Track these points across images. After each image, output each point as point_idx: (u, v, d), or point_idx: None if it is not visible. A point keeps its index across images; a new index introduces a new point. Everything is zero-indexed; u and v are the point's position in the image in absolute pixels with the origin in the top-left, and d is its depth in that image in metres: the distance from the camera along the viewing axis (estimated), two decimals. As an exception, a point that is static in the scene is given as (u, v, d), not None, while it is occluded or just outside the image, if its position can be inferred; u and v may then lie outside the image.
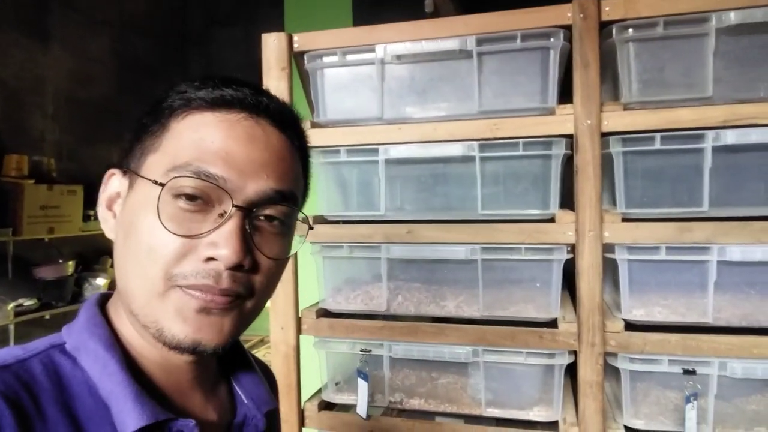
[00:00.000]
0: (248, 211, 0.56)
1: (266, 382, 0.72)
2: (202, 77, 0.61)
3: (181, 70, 5.55)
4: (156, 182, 0.55)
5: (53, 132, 4.17)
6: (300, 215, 0.63)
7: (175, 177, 0.54)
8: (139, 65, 5.02)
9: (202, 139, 0.56)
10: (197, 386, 0.63)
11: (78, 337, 0.58)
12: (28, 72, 3.96)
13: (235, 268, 0.55)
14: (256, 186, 0.56)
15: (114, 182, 0.62)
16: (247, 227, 0.56)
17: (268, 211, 0.58)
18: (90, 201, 4.04)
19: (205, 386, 0.64)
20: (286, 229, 0.61)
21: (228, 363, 0.71)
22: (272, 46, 1.31)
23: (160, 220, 0.54)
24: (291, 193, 0.60)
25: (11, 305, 3.48)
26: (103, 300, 0.64)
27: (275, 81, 1.31)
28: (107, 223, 0.61)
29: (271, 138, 0.59)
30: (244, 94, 0.59)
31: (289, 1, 2.71)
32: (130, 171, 0.59)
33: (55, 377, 0.54)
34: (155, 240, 0.54)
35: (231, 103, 0.58)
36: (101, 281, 4.06)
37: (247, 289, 0.57)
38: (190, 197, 0.54)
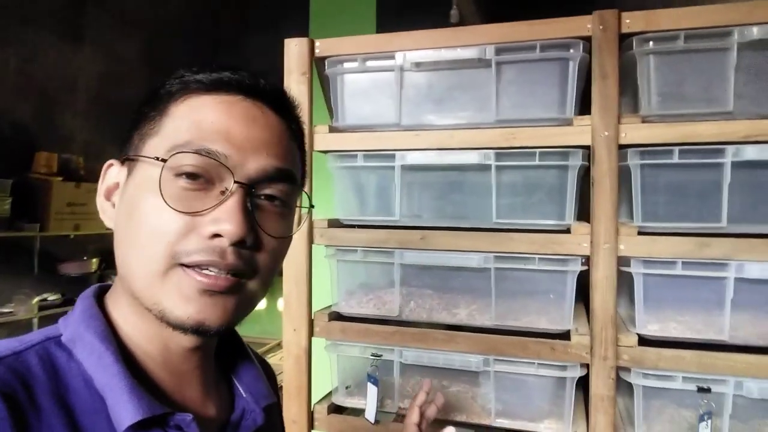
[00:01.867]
0: (249, 188, 0.56)
1: (265, 377, 0.72)
2: (200, 63, 0.62)
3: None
4: (157, 159, 0.55)
5: (82, 131, 4.27)
6: (303, 201, 0.64)
7: (176, 153, 0.54)
8: (170, 68, 5.08)
9: (202, 120, 0.56)
10: (196, 379, 0.63)
11: (74, 328, 0.57)
12: (61, 72, 4.07)
13: (239, 244, 0.55)
14: (256, 163, 0.57)
15: (112, 172, 0.62)
16: (248, 204, 0.56)
17: (268, 190, 0.59)
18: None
19: (204, 379, 0.64)
20: (287, 210, 0.61)
21: (227, 357, 0.71)
22: (294, 51, 1.34)
23: (162, 197, 0.54)
24: (290, 172, 0.61)
25: (36, 299, 3.57)
26: (100, 292, 0.63)
27: (296, 85, 1.33)
28: (106, 213, 0.61)
29: (269, 119, 0.60)
30: (242, 77, 0.60)
31: (315, 7, 2.74)
32: (128, 158, 0.59)
33: (50, 369, 0.54)
34: (158, 219, 0.54)
35: (229, 86, 0.59)
36: (123, 279, 4.13)
37: (250, 267, 0.57)
38: (192, 175, 0.55)
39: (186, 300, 0.54)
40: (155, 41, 4.94)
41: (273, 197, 0.59)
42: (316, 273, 1.35)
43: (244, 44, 5.57)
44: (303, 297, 1.31)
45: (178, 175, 0.55)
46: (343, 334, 1.31)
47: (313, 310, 1.34)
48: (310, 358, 1.32)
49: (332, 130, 1.33)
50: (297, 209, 0.65)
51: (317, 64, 1.37)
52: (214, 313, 0.55)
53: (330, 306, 1.37)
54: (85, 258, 3.95)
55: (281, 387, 1.19)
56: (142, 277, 0.55)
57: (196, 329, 0.55)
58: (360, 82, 1.33)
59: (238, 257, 0.55)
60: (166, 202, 0.54)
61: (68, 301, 3.80)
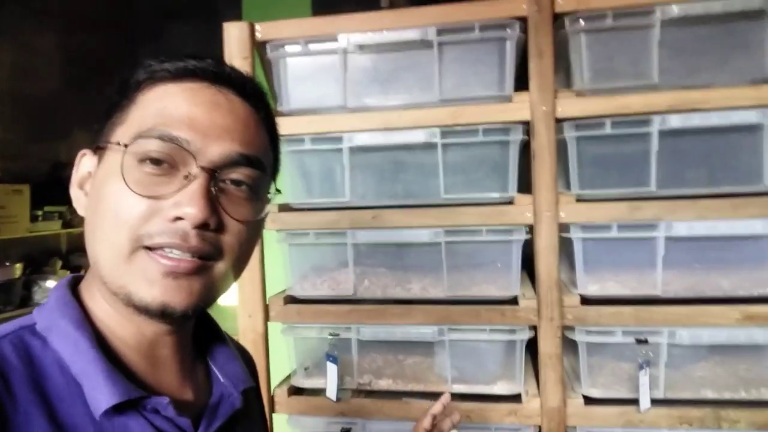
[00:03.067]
0: (213, 173, 0.56)
1: (242, 362, 0.72)
2: (168, 54, 0.63)
3: (131, 64, 5.35)
4: (119, 143, 0.56)
5: (-4, 129, 4.00)
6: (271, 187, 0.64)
7: (138, 139, 0.55)
8: (87, 60, 4.85)
9: (166, 107, 0.57)
10: (172, 364, 0.63)
11: (48, 317, 0.58)
12: (-32, 66, 3.79)
13: (202, 227, 0.55)
14: (220, 148, 0.57)
15: (86, 162, 0.62)
16: (212, 189, 0.56)
17: (233, 175, 0.59)
18: (37, 201, 3.89)
19: (180, 364, 0.64)
20: (254, 195, 0.61)
21: (203, 341, 0.71)
22: (234, 35, 1.32)
23: (124, 181, 0.54)
24: (257, 158, 0.61)
25: (-45, 310, 3.33)
26: (75, 282, 0.64)
27: (238, 70, 1.31)
28: (79, 201, 0.62)
29: (235, 105, 0.60)
30: (207, 64, 0.61)
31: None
32: (98, 147, 0.60)
33: (25, 357, 0.54)
34: (121, 203, 0.54)
35: (194, 73, 0.60)
36: (51, 283, 3.92)
37: (215, 249, 0.57)
38: (155, 161, 0.55)
39: (150, 283, 0.55)
40: (70, 32, 4.67)
41: (239, 182, 0.60)
42: (269, 258, 1.35)
43: (166, 33, 5.36)
44: (257, 282, 1.31)
45: (142, 160, 0.55)
46: (299, 316, 1.32)
47: (268, 295, 1.34)
48: (267, 343, 1.33)
49: (277, 114, 1.31)
50: (268, 196, 0.65)
51: (258, 49, 1.35)
52: (179, 295, 0.55)
53: (284, 290, 1.37)
54: (7, 264, 3.71)
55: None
56: (109, 261, 0.56)
57: (161, 312, 0.55)
58: (303, 65, 1.33)
59: (201, 240, 0.56)
60: (128, 186, 0.54)
61: (-8, 310, 3.57)
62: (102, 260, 0.56)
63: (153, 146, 0.55)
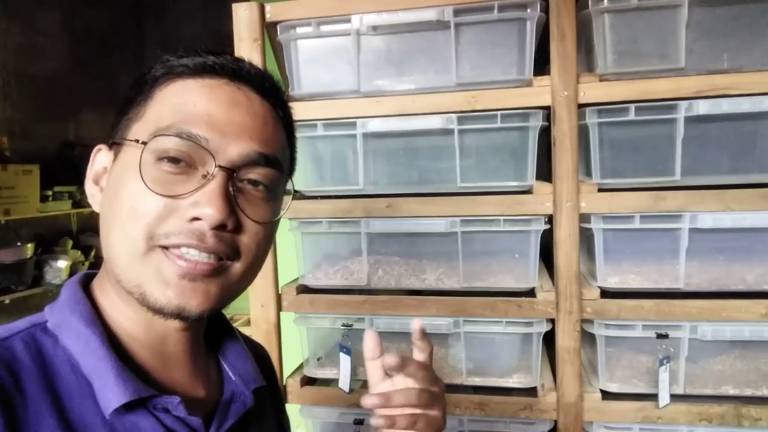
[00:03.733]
0: (231, 173, 0.56)
1: (254, 360, 0.72)
2: (185, 49, 0.61)
3: (137, 42, 5.34)
4: (138, 141, 0.55)
5: (4, 109, 3.98)
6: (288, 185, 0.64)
7: (157, 136, 0.54)
8: (92, 38, 4.80)
9: (185, 104, 0.56)
10: (184, 362, 0.63)
11: (60, 315, 0.57)
12: (-26, 45, 3.76)
13: (219, 228, 0.54)
14: (238, 148, 0.56)
15: (101, 157, 0.62)
16: (230, 188, 0.55)
17: (251, 175, 0.58)
18: (47, 181, 3.89)
19: (192, 362, 0.64)
20: (271, 195, 0.60)
21: (216, 339, 0.70)
22: (243, 16, 1.27)
23: (142, 179, 0.53)
24: (275, 157, 0.60)
25: (-33, 290, 3.36)
26: (87, 279, 0.63)
27: (247, 53, 1.27)
28: (94, 197, 0.61)
29: (254, 103, 0.60)
30: (226, 61, 0.60)
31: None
32: (114, 142, 0.59)
33: (36, 355, 0.54)
34: (138, 201, 0.54)
35: (213, 69, 0.59)
36: (62, 263, 3.94)
37: (232, 250, 0.57)
38: (173, 159, 0.54)
39: (165, 284, 0.54)
40: (74, 10, 4.61)
41: (256, 182, 0.59)
42: (281, 247, 1.32)
43: (168, 9, 5.29)
44: (269, 272, 1.28)
45: (160, 158, 0.55)
46: (312, 306, 1.29)
47: (280, 284, 1.32)
48: (279, 333, 1.31)
49: (288, 99, 1.28)
50: (286, 196, 0.64)
51: (268, 30, 1.31)
52: (195, 298, 0.55)
53: (297, 279, 1.35)
54: (18, 244, 3.73)
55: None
56: (123, 259, 0.55)
57: (177, 314, 0.55)
58: (315, 47, 1.28)
59: (218, 240, 0.55)
60: (146, 184, 0.53)
61: (4, 290, 3.60)
62: (116, 257, 0.55)
63: (171, 144, 0.54)
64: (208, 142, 0.55)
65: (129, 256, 0.54)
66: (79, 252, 4.26)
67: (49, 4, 4.39)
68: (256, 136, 0.58)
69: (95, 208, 0.60)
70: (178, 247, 0.53)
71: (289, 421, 0.84)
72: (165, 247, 0.54)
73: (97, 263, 4.31)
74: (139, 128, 0.57)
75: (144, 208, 0.53)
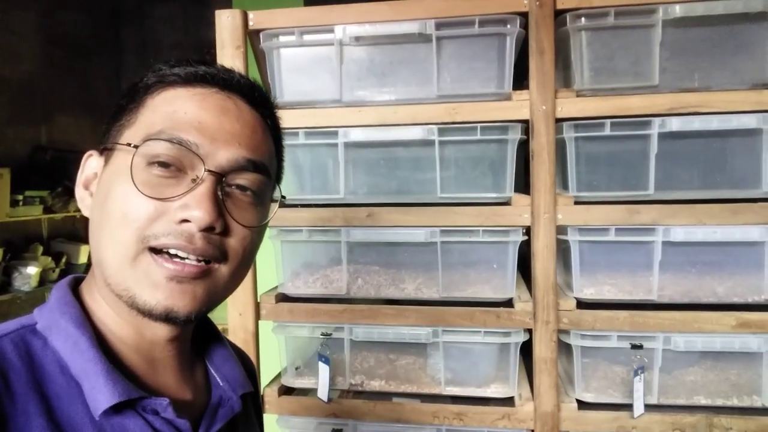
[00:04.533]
0: (220, 177, 0.57)
1: (241, 366, 0.72)
2: (177, 59, 0.63)
3: (115, 48, 5.27)
4: (129, 144, 0.56)
5: (-25, 111, 3.89)
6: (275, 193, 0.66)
7: (148, 141, 0.56)
8: (69, 42, 4.73)
9: (176, 111, 0.58)
10: (172, 366, 0.63)
11: (49, 316, 0.58)
12: (-55, 45, 3.67)
13: (208, 230, 0.56)
14: (228, 153, 0.58)
15: (91, 163, 0.63)
16: (219, 192, 0.57)
17: (239, 180, 0.59)
18: (17, 185, 3.80)
19: (180, 367, 0.64)
20: (258, 200, 0.62)
21: (203, 345, 0.71)
22: (226, 23, 1.27)
23: (133, 182, 0.54)
24: (263, 164, 0.61)
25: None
26: (75, 283, 0.64)
27: (229, 60, 1.27)
28: (84, 202, 0.62)
29: (243, 112, 0.61)
30: (217, 71, 0.62)
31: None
32: (105, 148, 0.60)
33: (25, 357, 0.54)
34: (129, 204, 0.54)
35: (204, 79, 0.60)
36: (32, 270, 3.84)
37: (220, 253, 0.58)
38: (163, 164, 0.55)
39: (154, 286, 0.55)
40: (51, 13, 4.54)
41: (244, 187, 0.60)
42: (260, 255, 1.30)
43: (147, 15, 5.24)
44: (248, 280, 1.28)
45: (151, 163, 0.56)
46: (291, 315, 1.29)
47: (259, 292, 1.31)
48: (257, 342, 1.30)
49: (276, 108, 1.28)
50: (273, 203, 0.66)
51: (251, 38, 1.31)
52: (183, 299, 0.56)
53: (276, 288, 1.34)
54: (-14, 249, 3.63)
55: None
56: (113, 262, 0.56)
57: (165, 316, 0.55)
58: (298, 56, 1.29)
59: (206, 242, 0.56)
60: (137, 187, 0.54)
61: (-30, 297, 3.50)
62: (107, 261, 0.56)
63: (162, 149, 0.56)
64: (198, 147, 0.56)
65: (119, 259, 0.55)
66: (50, 258, 4.16)
67: (25, 5, 4.31)
68: (245, 142, 0.59)
69: (85, 212, 0.61)
70: (167, 249, 0.54)
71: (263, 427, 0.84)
72: (153, 250, 0.55)
73: (68, 270, 4.23)
74: (131, 134, 0.58)
75: (134, 211, 0.54)
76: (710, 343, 1.15)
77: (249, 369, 0.79)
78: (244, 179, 0.59)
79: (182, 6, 5.01)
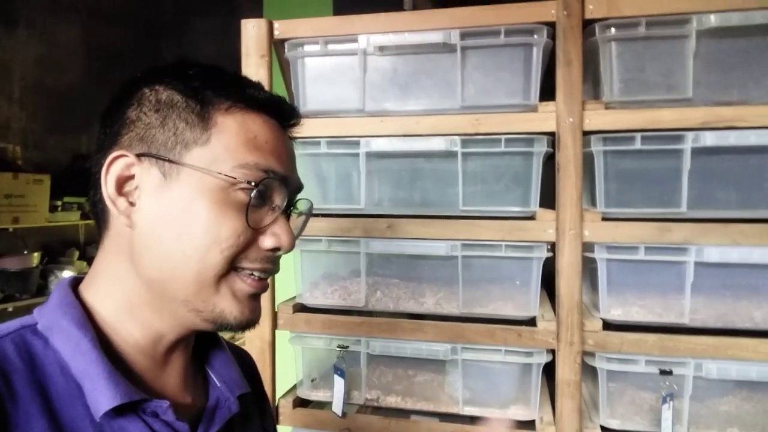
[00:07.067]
0: (291, 204, 0.65)
1: (238, 367, 0.73)
2: (234, 76, 0.65)
3: (154, 61, 5.41)
4: (219, 173, 0.57)
5: (19, 119, 4.03)
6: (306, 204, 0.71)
7: (266, 179, 0.59)
8: (109, 53, 4.88)
9: (256, 138, 0.60)
10: (176, 368, 0.64)
11: (50, 316, 0.58)
12: (-6, 56, 3.82)
13: None
14: (294, 182, 0.64)
15: (125, 166, 0.58)
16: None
17: (299, 205, 0.67)
18: (57, 191, 3.91)
19: (183, 368, 0.65)
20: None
21: (200, 346, 0.71)
22: (252, 32, 1.28)
23: (246, 216, 0.58)
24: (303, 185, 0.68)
25: (-29, 297, 3.36)
26: (75, 283, 0.63)
27: (254, 68, 1.27)
28: (117, 204, 0.58)
29: (287, 139, 0.66)
30: (281, 100, 0.66)
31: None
32: (165, 159, 0.57)
33: (27, 357, 0.54)
34: (224, 230, 0.57)
35: (267, 106, 0.63)
36: (68, 273, 3.94)
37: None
38: (261, 193, 0.59)
39: (240, 303, 0.59)
40: (93, 26, 4.70)
41: (299, 210, 0.68)
42: (279, 264, 1.30)
43: (188, 28, 5.38)
44: (265, 289, 1.27)
45: (245, 189, 0.59)
46: (308, 326, 1.27)
47: (277, 302, 1.30)
48: (273, 352, 1.29)
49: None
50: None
51: (276, 47, 1.32)
52: (257, 311, 0.62)
53: (294, 297, 1.33)
54: (25, 252, 3.74)
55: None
56: (194, 281, 0.57)
57: (246, 327, 0.61)
58: (322, 65, 1.28)
59: (278, 263, 0.64)
60: (247, 220, 0.58)
61: (8, 298, 3.59)
62: (184, 280, 0.57)
63: (259, 179, 0.58)
64: (286, 181, 0.61)
65: (205, 278, 0.57)
66: (85, 263, 4.27)
67: (69, 19, 4.47)
68: (295, 168, 0.65)
69: (118, 217, 0.58)
70: (252, 271, 0.60)
71: (275, 426, 0.84)
72: (236, 269, 0.59)
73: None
74: (209, 155, 0.58)
75: (232, 238, 0.57)
76: (745, 371, 1.08)
77: (248, 368, 0.80)
78: (300, 204, 0.67)
79: (219, 19, 5.12)
